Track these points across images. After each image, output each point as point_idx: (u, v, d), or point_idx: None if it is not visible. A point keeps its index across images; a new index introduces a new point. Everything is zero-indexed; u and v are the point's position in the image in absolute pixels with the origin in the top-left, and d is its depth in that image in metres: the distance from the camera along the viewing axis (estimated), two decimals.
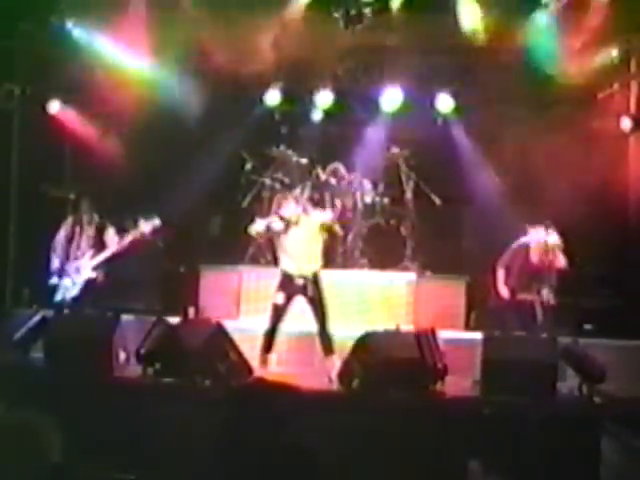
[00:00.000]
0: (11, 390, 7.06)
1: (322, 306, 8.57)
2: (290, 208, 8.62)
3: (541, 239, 9.15)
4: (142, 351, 7.93)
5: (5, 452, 3.08)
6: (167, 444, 6.69)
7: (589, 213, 10.00)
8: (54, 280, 9.42)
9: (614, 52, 10.32)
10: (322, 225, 8.69)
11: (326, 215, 8.93)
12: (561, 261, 9.13)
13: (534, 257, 9.21)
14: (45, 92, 10.71)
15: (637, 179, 10.46)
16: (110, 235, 9.55)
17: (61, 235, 9.60)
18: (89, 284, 9.44)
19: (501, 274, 9.28)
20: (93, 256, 9.43)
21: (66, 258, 9.47)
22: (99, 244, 9.55)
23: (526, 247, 9.26)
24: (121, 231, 10.13)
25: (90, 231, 9.58)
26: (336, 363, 8.28)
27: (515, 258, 9.30)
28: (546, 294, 9.09)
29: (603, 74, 10.48)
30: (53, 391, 7.19)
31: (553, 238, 9.10)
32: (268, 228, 8.66)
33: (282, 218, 8.56)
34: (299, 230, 8.60)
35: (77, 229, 9.55)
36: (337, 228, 9.03)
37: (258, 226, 8.75)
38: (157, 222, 9.31)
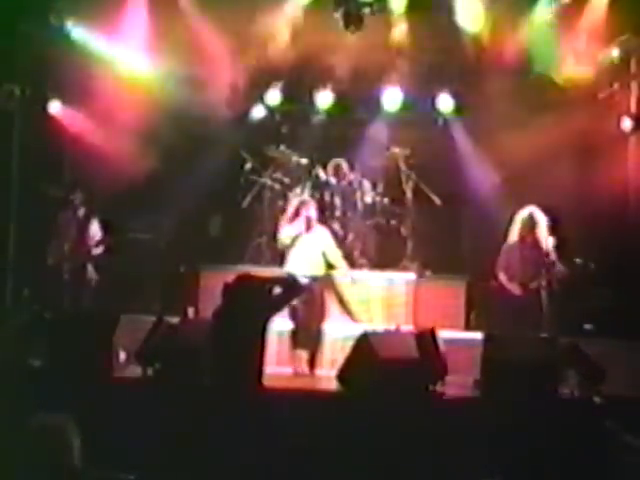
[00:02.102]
0: (11, 390, 7.08)
1: (317, 308, 8.83)
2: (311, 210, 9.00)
3: (523, 215, 9.21)
4: (142, 351, 7.93)
5: (8, 452, 3.08)
6: (167, 444, 6.69)
7: (589, 213, 10.01)
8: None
9: (614, 52, 10.32)
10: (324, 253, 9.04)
11: (329, 238, 9.19)
12: (544, 237, 9.16)
13: (516, 234, 9.24)
14: (45, 92, 10.71)
15: (637, 179, 10.45)
16: (96, 230, 9.66)
17: (57, 231, 9.69)
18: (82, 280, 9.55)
19: (503, 276, 9.28)
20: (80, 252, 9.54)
21: (61, 253, 9.57)
22: (87, 240, 9.65)
23: (513, 242, 9.30)
24: (123, 231, 10.19)
25: (82, 227, 9.67)
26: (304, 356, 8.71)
27: (511, 255, 9.31)
28: (555, 273, 9.13)
29: (603, 74, 10.48)
30: (53, 391, 7.18)
31: (539, 215, 9.17)
32: (296, 236, 8.96)
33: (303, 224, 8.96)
34: (311, 235, 8.96)
35: (70, 226, 9.63)
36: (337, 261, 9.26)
37: (287, 232, 8.95)
38: None
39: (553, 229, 9.26)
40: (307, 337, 8.87)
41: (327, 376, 8.44)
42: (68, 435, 3.24)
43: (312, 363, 8.89)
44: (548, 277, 9.15)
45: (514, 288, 9.22)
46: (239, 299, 6.45)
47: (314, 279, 8.84)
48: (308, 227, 8.98)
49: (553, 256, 9.14)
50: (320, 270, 9.01)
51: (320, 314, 8.93)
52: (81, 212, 9.79)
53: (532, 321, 8.92)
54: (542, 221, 9.20)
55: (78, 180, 10.35)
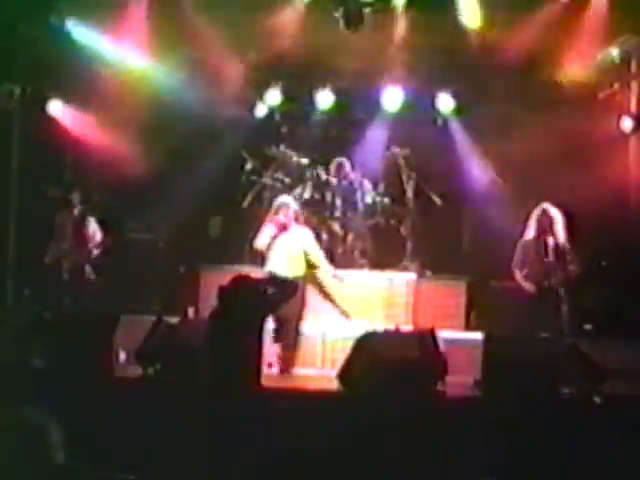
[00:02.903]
0: (11, 390, 7.08)
1: (296, 304, 8.87)
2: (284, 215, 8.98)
3: (538, 211, 9.23)
4: (142, 351, 7.93)
5: (7, 452, 3.08)
6: (167, 444, 6.68)
7: (589, 213, 10.00)
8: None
9: (614, 52, 10.32)
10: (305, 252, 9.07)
11: (309, 239, 9.16)
12: (560, 232, 9.14)
13: (533, 232, 9.24)
14: (45, 92, 10.72)
15: (637, 179, 10.46)
16: (95, 231, 9.70)
17: (56, 231, 9.72)
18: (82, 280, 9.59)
19: (519, 274, 9.26)
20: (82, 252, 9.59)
21: (60, 253, 9.60)
22: (86, 240, 9.67)
23: (529, 239, 9.30)
24: (123, 231, 10.19)
25: (81, 228, 9.69)
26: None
27: (526, 253, 9.29)
28: (570, 270, 9.12)
29: (603, 74, 10.49)
30: (53, 391, 7.18)
31: (553, 212, 9.18)
32: (271, 240, 8.97)
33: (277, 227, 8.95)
34: (288, 236, 8.96)
35: (69, 226, 9.66)
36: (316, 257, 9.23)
37: (263, 239, 8.95)
38: None
39: (567, 226, 9.23)
40: (287, 336, 8.93)
41: (327, 376, 8.46)
42: (64, 434, 3.24)
43: (291, 361, 8.96)
44: (564, 275, 9.11)
45: (530, 287, 9.16)
46: (235, 300, 6.50)
47: (300, 278, 8.88)
48: (283, 228, 8.97)
49: (568, 253, 9.13)
50: (300, 270, 9.01)
51: (300, 312, 8.96)
52: (79, 212, 9.80)
53: (549, 320, 8.91)
54: (557, 218, 9.16)
55: (77, 180, 10.35)
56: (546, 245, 9.16)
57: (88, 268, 9.78)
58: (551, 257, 9.13)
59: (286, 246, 8.97)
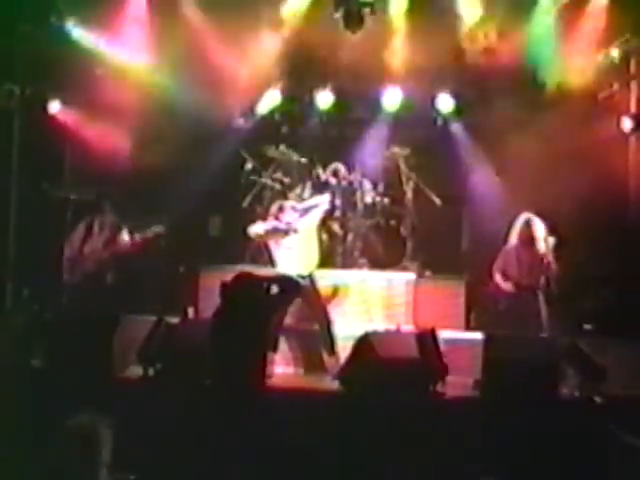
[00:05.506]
0: (12, 390, 7.09)
1: (321, 306, 8.78)
2: (290, 215, 8.85)
3: (521, 220, 9.29)
4: (143, 351, 7.93)
5: (7, 451, 3.08)
6: (167, 444, 6.69)
7: (589, 213, 10.01)
8: (62, 279, 9.52)
9: (614, 52, 10.32)
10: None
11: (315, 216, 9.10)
12: (541, 242, 9.22)
13: (515, 238, 9.32)
14: (45, 92, 10.71)
15: (637, 179, 10.46)
16: (124, 236, 9.67)
17: (75, 235, 9.66)
18: (97, 283, 9.56)
19: (499, 277, 9.34)
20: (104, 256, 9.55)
21: (79, 258, 9.55)
22: (111, 245, 9.63)
23: (513, 245, 9.36)
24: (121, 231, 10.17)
25: (104, 232, 9.65)
26: (339, 362, 8.42)
27: (508, 257, 9.37)
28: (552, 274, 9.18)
29: (603, 74, 10.49)
30: (53, 392, 7.18)
31: (537, 222, 9.24)
32: (267, 232, 8.80)
33: (282, 226, 8.80)
34: (296, 234, 8.82)
35: (93, 230, 9.63)
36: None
37: (257, 228, 8.92)
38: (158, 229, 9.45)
39: (551, 233, 9.31)
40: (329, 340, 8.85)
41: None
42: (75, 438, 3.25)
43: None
44: (546, 278, 9.18)
45: (509, 288, 9.25)
46: (238, 298, 6.48)
47: (310, 278, 8.84)
48: (286, 233, 8.88)
49: (550, 258, 9.18)
50: (313, 266, 8.91)
51: (324, 313, 8.92)
52: (98, 213, 9.79)
53: (528, 322, 8.95)
54: (540, 227, 9.27)
55: (77, 180, 10.36)
56: (527, 251, 9.25)
57: (91, 269, 9.76)
58: (531, 262, 9.22)
59: (298, 241, 8.86)
